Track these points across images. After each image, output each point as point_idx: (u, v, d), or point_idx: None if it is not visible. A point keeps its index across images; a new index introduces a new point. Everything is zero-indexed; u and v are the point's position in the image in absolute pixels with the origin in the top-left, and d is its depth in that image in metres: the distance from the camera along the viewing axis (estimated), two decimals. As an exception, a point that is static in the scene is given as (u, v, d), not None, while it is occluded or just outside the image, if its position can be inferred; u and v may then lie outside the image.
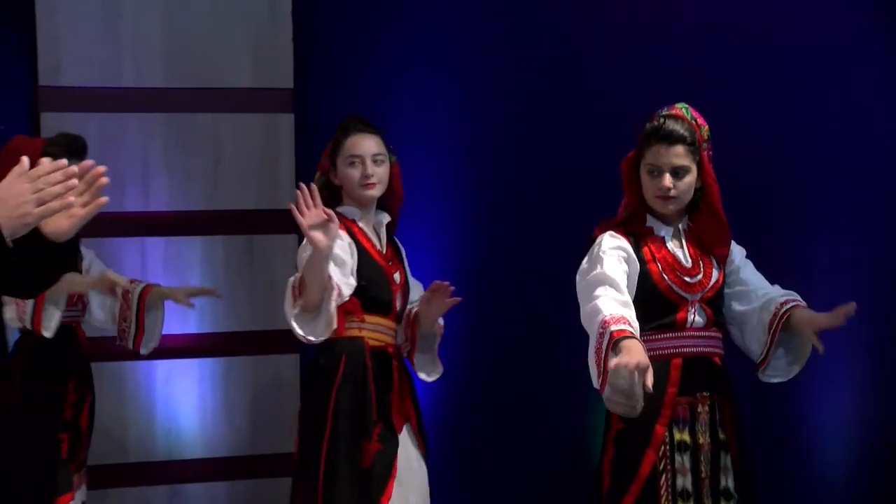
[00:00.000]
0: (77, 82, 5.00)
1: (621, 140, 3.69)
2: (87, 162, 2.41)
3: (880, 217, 5.10)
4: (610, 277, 3.27)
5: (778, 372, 3.53)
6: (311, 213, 3.25)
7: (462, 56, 5.34)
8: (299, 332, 3.60)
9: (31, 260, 2.50)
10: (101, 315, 4.39)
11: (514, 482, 5.18)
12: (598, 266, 3.32)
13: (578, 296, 3.31)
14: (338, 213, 3.68)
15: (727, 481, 3.41)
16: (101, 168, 2.42)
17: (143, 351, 4.36)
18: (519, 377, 5.13)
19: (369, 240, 3.85)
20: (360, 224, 3.83)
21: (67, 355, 4.39)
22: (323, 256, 3.32)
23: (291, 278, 3.61)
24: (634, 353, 2.99)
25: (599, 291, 3.22)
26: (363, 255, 3.81)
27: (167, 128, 5.16)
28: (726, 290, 3.52)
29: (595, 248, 3.35)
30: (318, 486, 3.73)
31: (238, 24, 5.20)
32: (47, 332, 4.25)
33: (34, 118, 4.94)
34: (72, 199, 2.33)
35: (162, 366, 5.12)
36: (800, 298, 3.47)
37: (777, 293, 3.48)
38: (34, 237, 2.40)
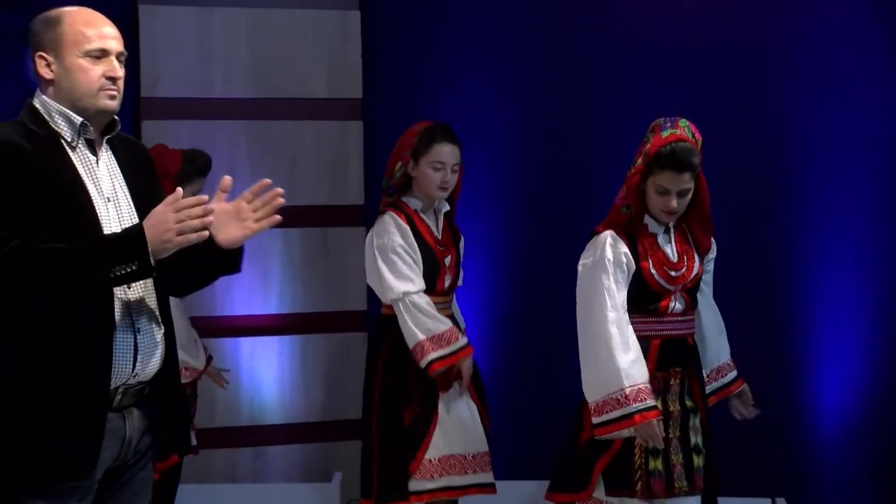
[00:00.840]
0: (173, 94, 5.36)
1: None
2: (266, 181, 2.68)
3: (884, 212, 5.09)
4: (617, 303, 3.51)
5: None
6: None
7: (510, 72, 5.50)
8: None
9: (195, 264, 2.75)
10: None
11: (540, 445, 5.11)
12: (605, 278, 3.53)
13: (581, 289, 3.57)
14: (401, 203, 4.05)
15: (696, 438, 3.62)
16: (279, 190, 2.65)
17: None
18: (545, 350, 5.28)
19: (427, 227, 4.08)
20: (421, 214, 4.08)
21: None
22: None
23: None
24: (656, 436, 3.39)
25: (613, 330, 3.48)
26: (419, 241, 4.05)
27: (251, 133, 5.49)
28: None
29: (599, 250, 3.55)
30: (372, 443, 4.05)
31: (314, 41, 5.51)
32: None
33: (136, 125, 5.27)
34: (206, 233, 2.52)
35: (246, 342, 5.44)
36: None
37: (723, 345, 3.81)
38: (206, 244, 2.63)
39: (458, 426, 4.12)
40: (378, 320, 4.13)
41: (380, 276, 3.95)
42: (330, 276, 5.45)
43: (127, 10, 5.28)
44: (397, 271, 3.94)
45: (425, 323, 3.93)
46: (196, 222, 2.48)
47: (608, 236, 3.54)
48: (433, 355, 3.92)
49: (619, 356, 3.48)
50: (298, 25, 5.49)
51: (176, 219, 2.46)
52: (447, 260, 4.11)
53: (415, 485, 4.01)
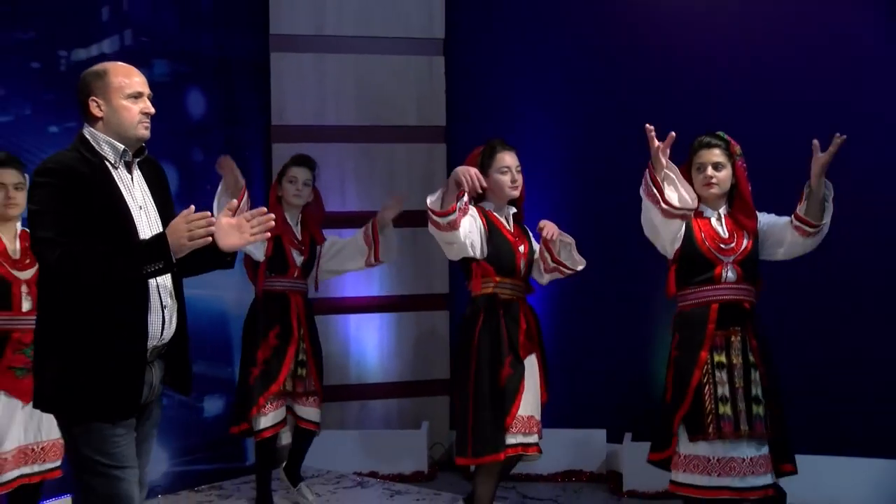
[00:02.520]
0: (296, 122, 6.01)
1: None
2: (262, 209, 3.07)
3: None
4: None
5: (812, 215, 3.79)
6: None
7: (564, 99, 5.93)
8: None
9: (201, 260, 3.07)
10: (259, 253, 4.80)
11: (601, 397, 5.77)
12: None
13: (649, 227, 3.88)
14: (478, 207, 4.29)
15: (757, 390, 3.80)
16: (272, 215, 3.05)
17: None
18: (609, 320, 5.62)
19: (502, 224, 4.35)
20: (496, 213, 4.34)
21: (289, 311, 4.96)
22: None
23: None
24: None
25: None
26: (496, 233, 4.30)
27: (357, 153, 6.09)
28: (767, 240, 3.93)
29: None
30: (469, 400, 4.25)
31: (407, 80, 6.16)
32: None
33: (267, 147, 5.96)
34: (209, 238, 2.91)
35: (354, 318, 6.10)
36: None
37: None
38: (211, 247, 2.99)
39: (532, 391, 4.34)
40: (472, 300, 4.35)
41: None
42: (419, 267, 5.98)
43: (262, 56, 6.08)
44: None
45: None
46: (202, 231, 2.90)
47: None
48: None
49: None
50: (395, 68, 6.13)
51: (187, 228, 2.89)
52: (521, 248, 4.35)
53: (509, 439, 4.23)
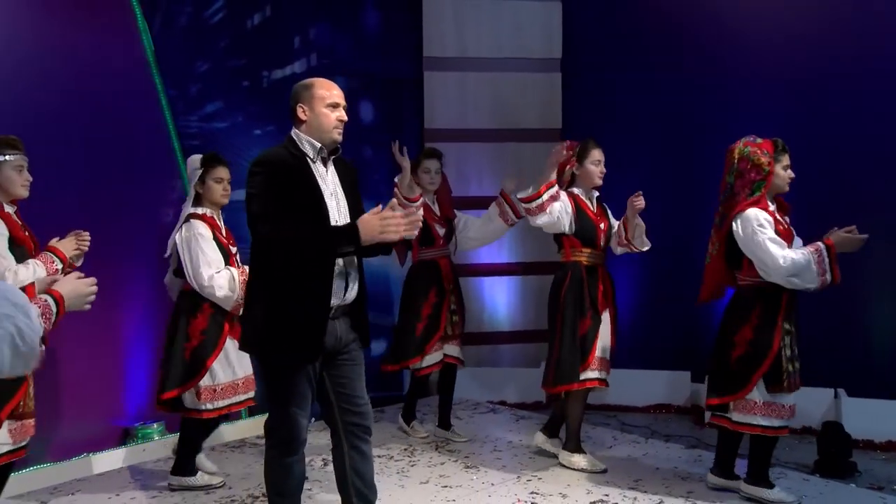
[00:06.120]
0: (444, 126, 6.56)
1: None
2: (411, 209, 3.20)
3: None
4: (780, 241, 4.03)
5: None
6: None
7: (654, 110, 6.20)
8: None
9: (371, 249, 3.20)
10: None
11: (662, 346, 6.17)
12: (769, 230, 4.02)
13: (753, 239, 4.01)
14: (568, 193, 4.62)
15: (796, 349, 4.15)
16: (420, 214, 3.20)
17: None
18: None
19: (587, 205, 4.71)
20: (583, 197, 4.69)
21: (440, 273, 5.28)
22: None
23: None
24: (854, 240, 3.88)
25: (785, 251, 3.97)
26: (581, 213, 4.64)
27: (491, 151, 6.57)
28: None
29: (754, 220, 4.05)
30: (556, 345, 4.65)
31: (531, 92, 6.64)
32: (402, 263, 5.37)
33: (421, 146, 6.23)
34: (403, 231, 3.08)
35: (487, 280, 6.68)
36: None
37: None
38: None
39: (605, 339, 4.70)
40: (561, 265, 4.72)
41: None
42: (538, 241, 6.17)
43: (417, 74, 6.60)
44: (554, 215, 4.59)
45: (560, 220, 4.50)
46: (394, 228, 3.09)
47: (757, 210, 4.09)
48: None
49: (798, 256, 3.97)
50: (521, 83, 6.62)
51: (381, 226, 3.08)
52: (602, 226, 4.72)
53: (586, 374, 4.62)
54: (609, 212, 4.82)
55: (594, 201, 4.76)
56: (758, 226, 4.01)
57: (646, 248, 4.76)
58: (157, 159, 5.40)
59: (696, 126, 6.05)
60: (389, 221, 3.02)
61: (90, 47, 5.06)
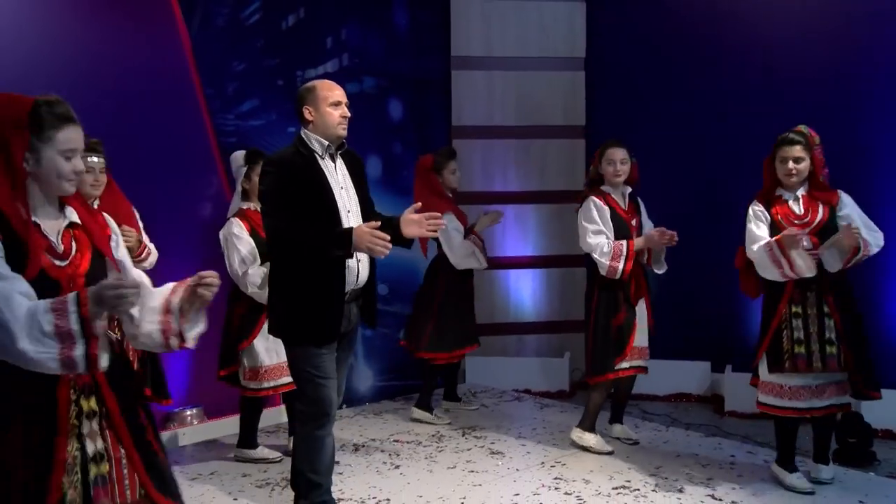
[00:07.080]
0: (471, 123, 6.60)
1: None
2: (434, 213, 3.30)
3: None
4: (760, 237, 4.07)
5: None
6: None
7: (682, 107, 6.10)
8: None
9: (391, 240, 3.24)
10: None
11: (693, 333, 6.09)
12: (755, 228, 4.08)
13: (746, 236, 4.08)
14: (599, 190, 4.61)
15: (830, 335, 4.01)
16: (442, 222, 3.31)
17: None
18: (715, 275, 5.66)
19: (617, 203, 4.67)
20: (613, 195, 4.67)
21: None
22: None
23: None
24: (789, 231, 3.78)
25: (757, 247, 4.01)
26: (614, 213, 4.63)
27: (516, 147, 6.60)
28: (840, 221, 4.01)
29: (750, 212, 4.14)
30: (590, 334, 4.71)
31: (555, 90, 6.63)
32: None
33: (449, 142, 6.46)
34: (386, 251, 3.12)
35: (513, 273, 6.67)
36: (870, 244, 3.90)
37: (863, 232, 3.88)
38: (398, 234, 3.28)
39: (642, 328, 4.75)
40: (592, 260, 4.67)
41: (585, 234, 4.64)
42: (562, 234, 6.38)
43: (445, 73, 6.64)
44: (594, 231, 4.60)
45: (606, 257, 4.54)
46: (381, 243, 3.17)
47: (754, 204, 4.18)
48: (621, 265, 4.49)
49: (761, 245, 3.98)
50: (546, 81, 6.62)
51: (368, 242, 3.20)
52: (633, 222, 4.70)
53: (625, 364, 4.66)
54: (642, 206, 4.86)
55: (626, 197, 4.78)
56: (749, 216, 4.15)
57: (661, 272, 4.76)
58: (197, 156, 5.47)
59: (719, 125, 6.03)
60: (377, 241, 3.13)
61: (132, 48, 5.14)
